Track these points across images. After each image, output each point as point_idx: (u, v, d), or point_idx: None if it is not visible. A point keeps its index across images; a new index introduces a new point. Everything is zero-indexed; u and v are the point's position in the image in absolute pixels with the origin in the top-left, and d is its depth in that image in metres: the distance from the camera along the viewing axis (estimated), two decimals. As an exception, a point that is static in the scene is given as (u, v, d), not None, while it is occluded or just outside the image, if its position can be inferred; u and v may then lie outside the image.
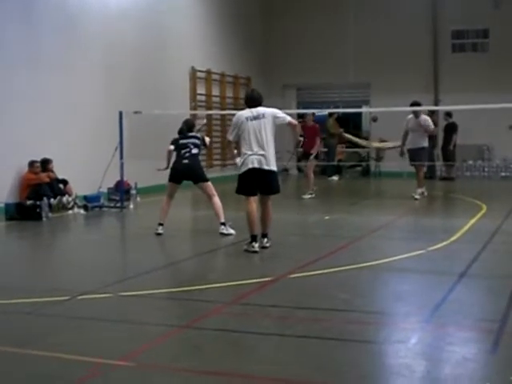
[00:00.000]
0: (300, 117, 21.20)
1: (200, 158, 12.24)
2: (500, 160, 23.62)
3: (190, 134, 11.95)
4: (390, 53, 24.45)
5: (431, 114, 22.30)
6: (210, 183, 11.78)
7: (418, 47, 24.50)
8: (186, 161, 11.58)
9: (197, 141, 11.88)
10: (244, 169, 9.68)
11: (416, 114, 16.49)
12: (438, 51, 24.71)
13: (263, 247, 9.84)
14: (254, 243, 9.71)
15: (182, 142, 11.82)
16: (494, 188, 21.34)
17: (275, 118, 9.81)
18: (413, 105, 16.50)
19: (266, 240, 9.93)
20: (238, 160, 9.83)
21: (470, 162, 23.60)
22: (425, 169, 17.69)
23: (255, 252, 9.61)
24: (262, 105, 9.96)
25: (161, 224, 11.52)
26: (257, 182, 9.73)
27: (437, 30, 24.60)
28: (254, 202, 9.82)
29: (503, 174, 23.48)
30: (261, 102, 9.96)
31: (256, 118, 9.68)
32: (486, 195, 17.67)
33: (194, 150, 11.70)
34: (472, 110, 18.12)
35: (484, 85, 22.61)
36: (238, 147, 10.02)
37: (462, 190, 19.58)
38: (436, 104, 23.83)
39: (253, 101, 9.92)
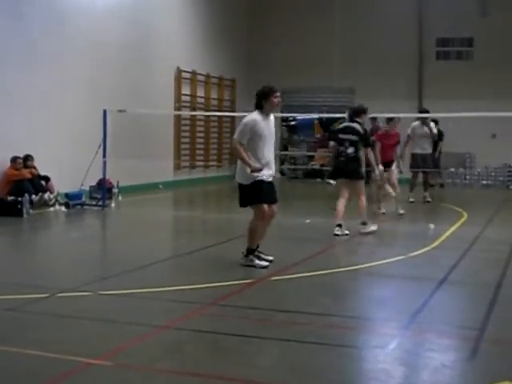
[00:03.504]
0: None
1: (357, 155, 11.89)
2: (481, 168, 23.76)
3: (351, 125, 11.88)
4: (375, 58, 24.51)
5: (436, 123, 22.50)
6: (362, 182, 11.91)
7: (403, 54, 24.59)
8: (342, 159, 11.87)
9: (354, 137, 11.82)
10: None
11: (423, 121, 16.81)
12: (423, 58, 24.81)
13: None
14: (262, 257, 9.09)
15: (340, 136, 11.95)
16: (475, 196, 21.45)
17: None
18: (422, 112, 16.88)
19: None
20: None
21: (452, 170, 23.72)
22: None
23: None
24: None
25: (339, 225, 11.55)
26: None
27: (422, 37, 24.71)
28: None
29: (484, 182, 23.62)
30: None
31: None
32: (467, 203, 17.76)
33: (350, 150, 11.78)
34: (455, 117, 18.22)
35: (468, 93, 22.70)
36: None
37: (444, 197, 19.67)
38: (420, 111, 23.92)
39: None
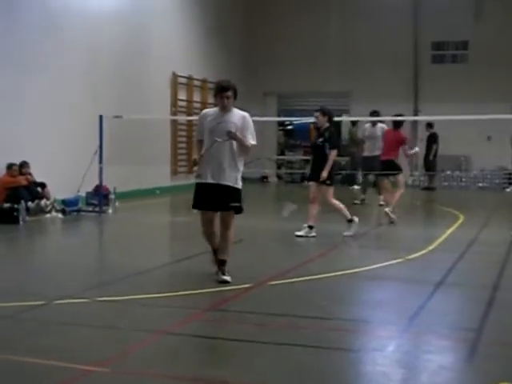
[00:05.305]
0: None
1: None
2: (477, 171, 23.81)
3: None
4: (371, 62, 24.57)
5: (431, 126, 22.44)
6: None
7: (399, 57, 24.64)
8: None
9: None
10: None
11: (373, 123, 16.71)
12: (418, 62, 24.89)
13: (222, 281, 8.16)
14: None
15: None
16: (471, 198, 21.46)
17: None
18: (372, 114, 16.75)
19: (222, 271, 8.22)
20: None
21: (448, 172, 23.76)
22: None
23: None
24: None
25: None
26: None
27: (417, 41, 24.79)
28: None
29: (480, 184, 23.65)
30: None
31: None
32: (464, 205, 17.78)
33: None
34: (451, 120, 18.23)
35: (463, 96, 22.76)
36: None
37: (440, 199, 19.68)
38: (415, 114, 23.99)
39: None
